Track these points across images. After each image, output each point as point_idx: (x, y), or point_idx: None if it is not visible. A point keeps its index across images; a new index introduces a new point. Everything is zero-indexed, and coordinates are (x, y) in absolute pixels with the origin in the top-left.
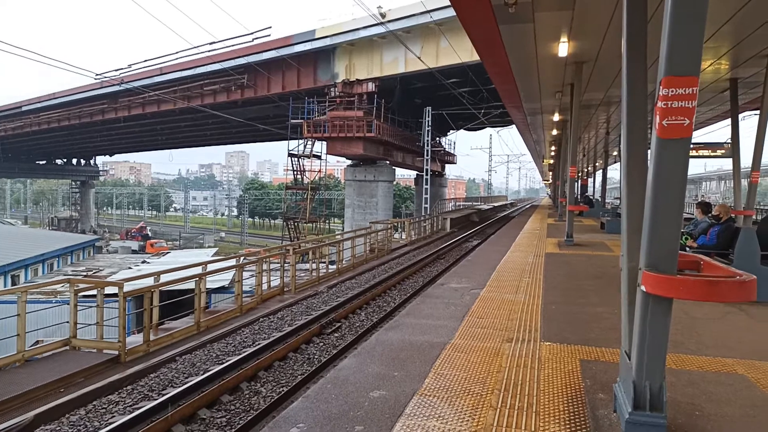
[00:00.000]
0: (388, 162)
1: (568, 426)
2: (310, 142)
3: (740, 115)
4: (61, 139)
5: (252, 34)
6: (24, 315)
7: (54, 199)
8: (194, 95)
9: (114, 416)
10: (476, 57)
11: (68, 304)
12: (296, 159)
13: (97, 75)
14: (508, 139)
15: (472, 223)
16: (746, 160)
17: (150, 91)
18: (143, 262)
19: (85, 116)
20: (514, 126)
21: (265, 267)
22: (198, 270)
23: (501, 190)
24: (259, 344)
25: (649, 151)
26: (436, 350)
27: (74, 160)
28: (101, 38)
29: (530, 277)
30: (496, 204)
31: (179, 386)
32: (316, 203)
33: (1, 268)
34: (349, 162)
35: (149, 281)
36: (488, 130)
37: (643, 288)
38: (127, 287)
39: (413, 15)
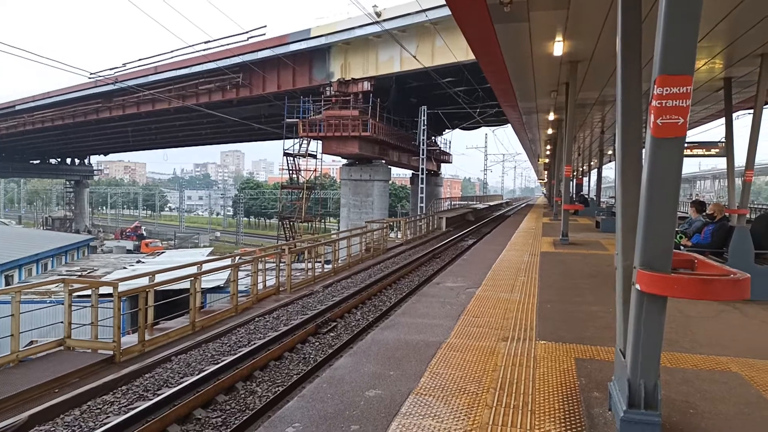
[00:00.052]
0: (383, 161)
1: (563, 424)
2: (305, 142)
3: (734, 114)
4: (55, 138)
5: (247, 33)
6: (18, 315)
7: (48, 198)
8: (189, 94)
9: (109, 416)
10: (472, 56)
11: (63, 304)
12: (292, 158)
13: (91, 74)
14: (504, 138)
15: (468, 222)
16: (740, 159)
17: (145, 90)
18: (138, 261)
19: (79, 115)
20: (509, 125)
21: (260, 266)
22: (193, 270)
23: (496, 189)
24: (254, 344)
25: (643, 150)
26: (431, 349)
27: (68, 160)
28: (96, 37)
29: (526, 276)
30: (491, 203)
31: (174, 386)
32: (311, 202)
33: None
34: (344, 161)
35: (144, 281)
36: (484, 130)
37: (637, 286)
38: (122, 287)
39: (408, 14)
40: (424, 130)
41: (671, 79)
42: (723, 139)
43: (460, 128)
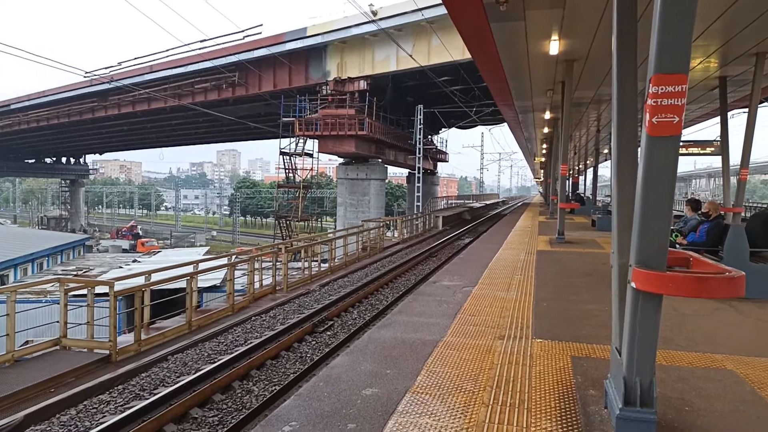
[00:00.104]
0: (380, 160)
1: (559, 422)
2: (301, 141)
3: (729, 113)
4: (51, 137)
5: (243, 32)
6: (13, 315)
7: (43, 198)
8: (185, 93)
9: (105, 416)
10: (468, 55)
11: (58, 303)
12: (288, 157)
13: (86, 73)
14: (500, 137)
15: (464, 221)
16: (735, 157)
17: (140, 89)
18: (134, 261)
19: (74, 114)
20: (505, 124)
21: (256, 266)
22: (189, 269)
23: (493, 188)
24: (251, 343)
25: (639, 149)
26: (428, 348)
27: (64, 159)
28: (91, 36)
29: (522, 275)
30: (487, 202)
31: (171, 385)
32: (308, 201)
33: None
34: (341, 160)
35: (140, 280)
36: (480, 128)
37: (633, 284)
38: (118, 286)
39: (405, 13)
40: (420, 129)
41: (666, 78)
42: (718, 138)
43: (457, 127)
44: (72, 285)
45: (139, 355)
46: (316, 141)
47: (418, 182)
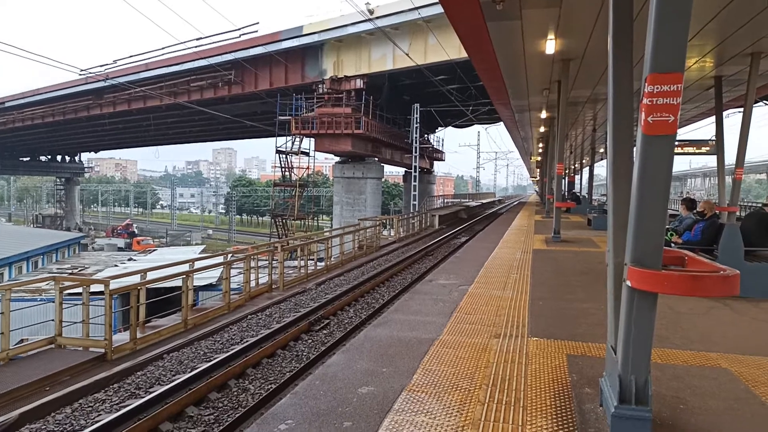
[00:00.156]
0: (376, 159)
1: (555, 420)
2: (298, 139)
3: (725, 113)
4: (46, 135)
5: (239, 30)
6: (8, 313)
7: (38, 196)
8: (181, 91)
9: (100, 414)
10: (464, 54)
11: (53, 302)
12: (284, 156)
13: (81, 71)
14: (496, 136)
15: (461, 219)
16: (730, 157)
17: (136, 87)
18: (129, 259)
19: (69, 112)
20: (502, 123)
21: (253, 264)
22: (185, 267)
23: (489, 187)
24: (247, 341)
25: (634, 148)
26: (424, 346)
27: (59, 157)
28: (86, 34)
29: (518, 274)
30: (484, 201)
31: (166, 384)
32: (304, 200)
33: None
34: (337, 159)
35: (136, 279)
36: (476, 127)
37: (628, 283)
38: (114, 285)
39: (401, 12)
40: (417, 127)
41: (662, 77)
42: (713, 138)
43: (453, 126)
44: (67, 283)
45: (135, 354)
46: (313, 139)
47: (415, 181)
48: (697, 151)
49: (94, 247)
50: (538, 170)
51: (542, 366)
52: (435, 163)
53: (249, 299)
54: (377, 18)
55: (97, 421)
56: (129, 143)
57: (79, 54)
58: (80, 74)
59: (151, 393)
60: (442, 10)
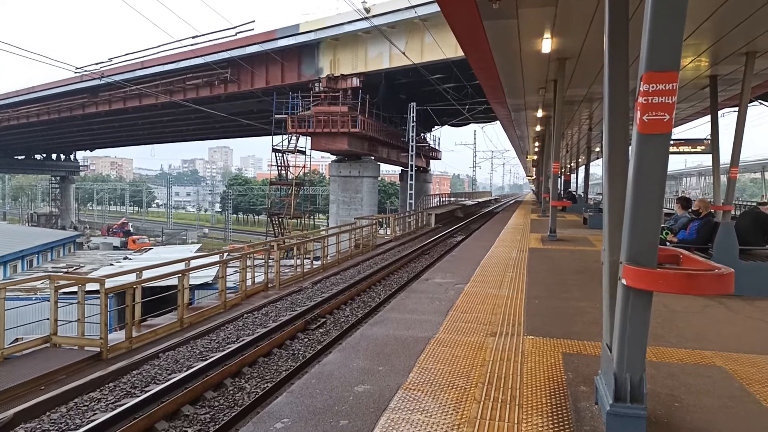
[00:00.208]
0: (372, 157)
1: (550, 418)
2: (294, 138)
3: (720, 112)
4: (41, 133)
5: (235, 28)
6: (2, 312)
7: (33, 194)
8: (176, 90)
9: (96, 413)
10: (461, 53)
11: (48, 301)
12: (280, 154)
13: (77, 69)
14: (493, 135)
15: (457, 218)
16: (725, 156)
17: (131, 85)
18: (125, 258)
19: (64, 110)
20: (498, 122)
21: (249, 263)
22: (181, 266)
23: (485, 185)
24: (243, 340)
25: (630, 147)
26: (420, 345)
27: (54, 155)
28: (81, 32)
29: (514, 272)
30: (480, 200)
31: (162, 383)
32: (300, 199)
33: None
34: (333, 157)
35: (131, 277)
36: (473, 126)
37: (623, 281)
38: (109, 284)
39: (398, 10)
40: (413, 126)
41: (657, 76)
42: (708, 137)
43: (449, 125)
44: (62, 282)
45: (131, 353)
46: (309, 138)
47: (411, 180)
48: (692, 150)
49: (89, 245)
50: (534, 169)
51: (538, 364)
52: (431, 161)
53: (245, 298)
54: (374, 16)
55: (92, 420)
56: (124, 142)
57: (74, 52)
58: (75, 72)
59: (146, 392)
60: (439, 9)
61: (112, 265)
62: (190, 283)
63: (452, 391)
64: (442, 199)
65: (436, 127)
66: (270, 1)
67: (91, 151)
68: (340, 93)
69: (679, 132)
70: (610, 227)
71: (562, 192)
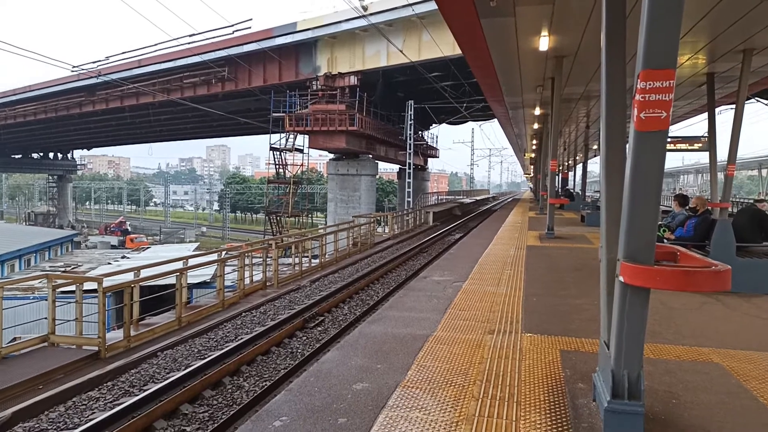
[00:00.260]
0: (370, 156)
1: (548, 415)
2: (292, 136)
3: (717, 110)
4: (38, 132)
5: (232, 26)
6: (0, 312)
7: (30, 193)
8: (174, 88)
9: (94, 412)
10: (458, 51)
11: (46, 300)
12: (278, 153)
13: (74, 67)
14: (490, 133)
15: (455, 216)
16: (723, 153)
17: (128, 83)
18: (123, 257)
19: (61, 109)
20: (495, 120)
21: (247, 261)
22: (179, 265)
23: (483, 183)
24: (241, 339)
25: (627, 145)
26: (418, 342)
27: (51, 154)
28: (78, 30)
29: (512, 270)
30: (478, 198)
31: (161, 382)
32: (298, 197)
33: None
34: (331, 156)
35: (129, 276)
36: (470, 124)
37: (621, 279)
38: (107, 282)
39: (395, 8)
40: (411, 124)
41: (654, 74)
42: (706, 134)
43: (447, 123)
44: (60, 281)
45: (129, 352)
46: (307, 136)
47: (409, 178)
48: (689, 147)
49: (87, 245)
50: (532, 167)
51: (536, 362)
52: (429, 159)
53: (243, 296)
54: (371, 14)
55: (90, 419)
56: (122, 140)
57: (71, 50)
58: (73, 71)
59: (145, 391)
60: (436, 7)
61: (109, 264)
62: (188, 281)
63: (450, 388)
64: (440, 197)
65: (433, 125)
66: None
67: (88, 149)
68: (338, 91)
69: (676, 129)
70: (608, 225)
71: (559, 189)
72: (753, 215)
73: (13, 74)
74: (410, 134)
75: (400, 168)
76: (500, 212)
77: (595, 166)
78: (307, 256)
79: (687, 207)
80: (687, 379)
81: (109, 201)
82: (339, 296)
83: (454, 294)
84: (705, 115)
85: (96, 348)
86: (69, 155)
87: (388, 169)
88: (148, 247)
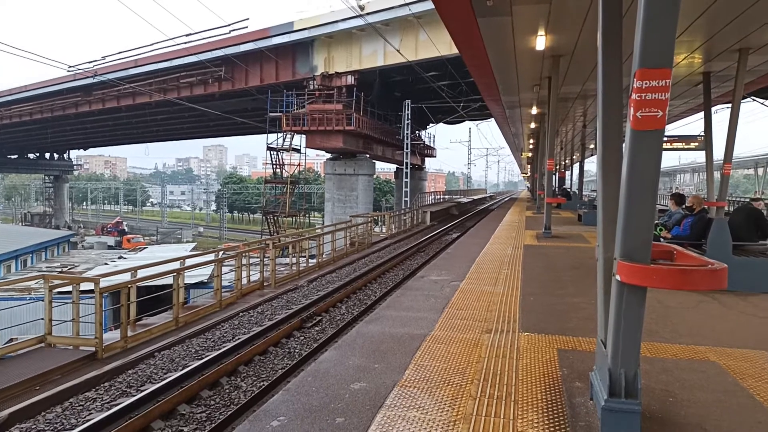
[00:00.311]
0: (368, 155)
1: (545, 414)
2: (289, 136)
3: (713, 109)
4: (34, 132)
5: (229, 25)
6: None
7: (27, 194)
8: (170, 88)
9: (91, 413)
10: (455, 50)
11: (43, 300)
12: (275, 153)
13: (70, 67)
14: (487, 132)
15: (452, 216)
16: (719, 152)
17: (125, 83)
18: (120, 257)
19: (57, 109)
20: (493, 119)
21: (244, 262)
22: (176, 265)
23: (480, 183)
24: (239, 339)
25: (624, 144)
26: (416, 342)
27: (47, 154)
28: (74, 29)
29: (509, 269)
30: (475, 197)
31: (158, 382)
32: (295, 197)
33: None
34: (328, 155)
35: (126, 277)
36: (467, 124)
37: (617, 277)
38: (104, 283)
39: (392, 8)
40: (408, 124)
41: (650, 73)
42: (702, 133)
43: (444, 122)
44: (56, 282)
45: (126, 352)
46: (304, 136)
47: (406, 177)
48: (685, 146)
49: (83, 245)
50: (529, 166)
51: (533, 361)
52: (426, 159)
53: (240, 297)
54: (368, 14)
55: (87, 420)
56: (118, 140)
57: (67, 50)
58: (69, 71)
59: (142, 391)
60: (433, 6)
61: (106, 264)
62: (185, 282)
63: (448, 387)
64: (437, 197)
65: (430, 124)
66: None
67: (84, 149)
68: (335, 91)
69: (672, 129)
70: (605, 224)
71: (556, 189)
72: (749, 214)
73: (9, 74)
74: (407, 134)
75: (397, 168)
76: (497, 212)
77: (592, 165)
78: (304, 256)
79: (683, 206)
80: (684, 378)
81: (105, 201)
82: (336, 296)
83: (451, 293)
84: (701, 114)
85: (93, 349)
86: (65, 155)
87: (385, 169)
88: (145, 248)
